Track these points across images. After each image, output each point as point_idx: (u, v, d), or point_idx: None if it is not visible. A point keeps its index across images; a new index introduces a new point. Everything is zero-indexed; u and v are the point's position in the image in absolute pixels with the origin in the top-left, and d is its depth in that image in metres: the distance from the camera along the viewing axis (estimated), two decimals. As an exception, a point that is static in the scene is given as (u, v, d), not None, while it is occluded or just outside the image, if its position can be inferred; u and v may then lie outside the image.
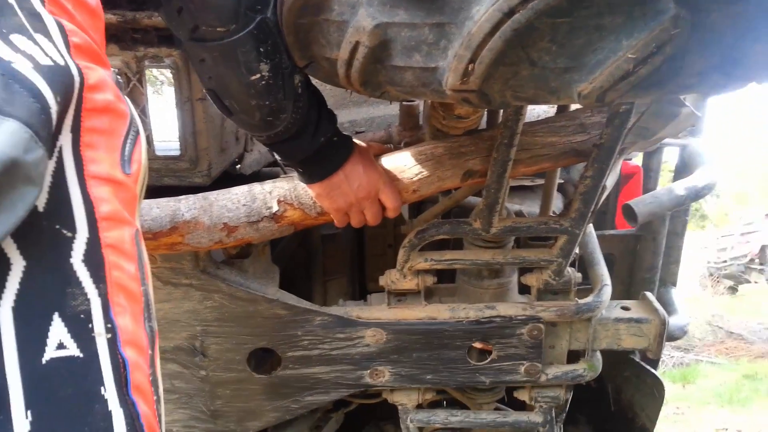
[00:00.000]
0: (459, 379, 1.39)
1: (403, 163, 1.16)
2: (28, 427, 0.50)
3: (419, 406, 1.48)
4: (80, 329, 0.54)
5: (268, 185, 1.18)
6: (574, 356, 1.43)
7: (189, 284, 1.29)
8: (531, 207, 1.54)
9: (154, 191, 1.46)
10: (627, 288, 1.81)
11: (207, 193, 1.18)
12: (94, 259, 0.56)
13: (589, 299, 1.34)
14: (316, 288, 1.73)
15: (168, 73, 1.24)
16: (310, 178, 1.09)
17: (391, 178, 1.15)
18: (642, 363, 1.81)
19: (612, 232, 1.82)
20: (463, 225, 1.23)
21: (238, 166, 1.51)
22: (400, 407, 1.46)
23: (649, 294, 1.44)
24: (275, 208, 1.16)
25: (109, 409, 0.55)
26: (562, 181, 1.62)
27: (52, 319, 0.53)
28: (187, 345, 1.34)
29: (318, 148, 1.04)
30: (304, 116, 0.99)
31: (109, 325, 0.56)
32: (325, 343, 1.35)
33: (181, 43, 0.89)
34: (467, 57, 0.72)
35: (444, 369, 1.38)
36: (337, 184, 1.09)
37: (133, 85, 1.23)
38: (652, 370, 1.79)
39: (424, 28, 0.74)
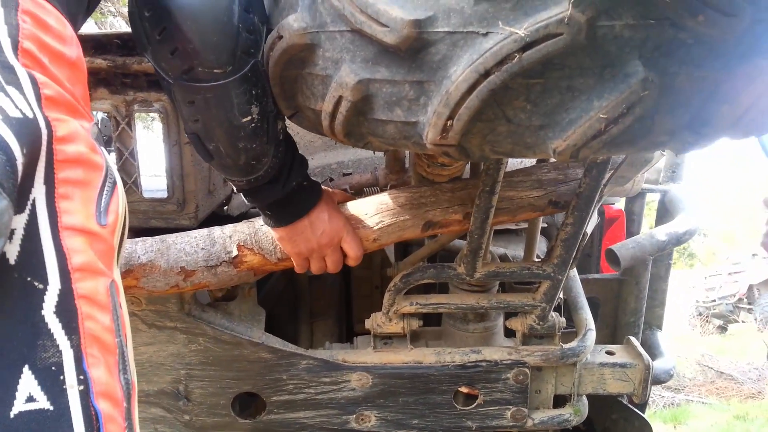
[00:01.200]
0: (445, 424, 1.38)
1: (364, 212, 1.17)
2: None
3: (405, 451, 1.46)
4: (51, 381, 0.54)
5: (228, 229, 1.18)
6: (560, 401, 1.43)
7: (174, 327, 1.29)
8: (516, 251, 1.55)
9: (140, 233, 1.47)
10: (612, 332, 1.82)
11: (165, 235, 1.18)
12: (67, 310, 0.56)
13: (573, 344, 1.35)
14: (302, 329, 1.72)
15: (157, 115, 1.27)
16: (276, 222, 1.10)
17: (353, 227, 1.15)
18: (629, 406, 1.80)
19: (596, 276, 1.84)
20: (448, 269, 1.25)
21: (226, 208, 1.52)
22: (386, 453, 1.45)
23: (633, 338, 1.45)
24: (234, 252, 1.15)
25: None
26: (546, 225, 1.65)
27: (21, 372, 0.52)
28: (171, 389, 1.33)
29: (288, 193, 1.05)
30: (281, 161, 1.00)
31: (81, 377, 0.56)
32: (311, 387, 1.35)
33: (168, 85, 0.88)
34: (446, 114, 0.75)
35: (430, 414, 1.37)
36: (301, 229, 1.09)
37: (122, 129, 1.26)
38: (640, 413, 1.79)
39: (404, 85, 0.77)
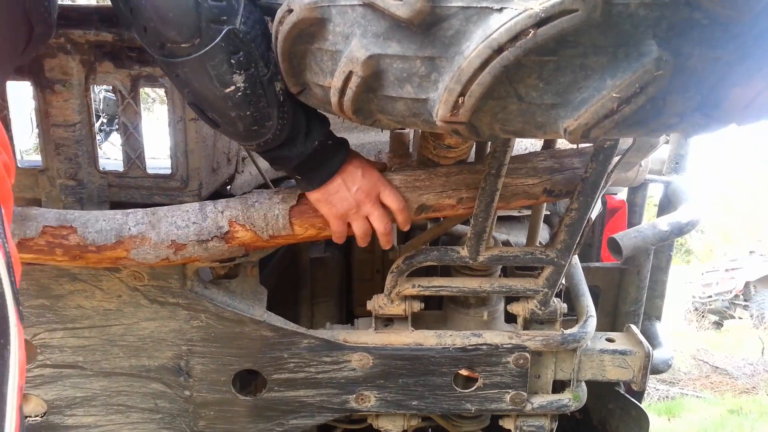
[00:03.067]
0: (444, 405, 1.39)
1: None
2: None
3: (404, 432, 1.47)
4: None
5: (220, 204, 1.17)
6: (559, 386, 1.44)
7: (176, 303, 1.29)
8: (518, 237, 1.55)
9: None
10: (612, 320, 1.83)
11: (157, 208, 1.18)
12: None
13: (574, 330, 1.35)
14: (303, 311, 1.73)
15: (161, 92, 1.26)
16: (308, 183, 1.07)
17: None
18: (627, 395, 1.81)
19: (597, 264, 1.85)
20: (451, 252, 1.25)
21: (229, 187, 1.52)
22: (385, 433, 1.46)
23: (633, 326, 1.45)
24: (226, 228, 1.15)
25: None
26: (549, 213, 1.65)
27: None
28: (172, 365, 1.34)
29: (312, 153, 1.02)
30: (291, 121, 0.98)
31: None
32: (311, 366, 1.35)
33: (155, 61, 0.88)
34: (457, 90, 0.74)
35: (430, 395, 1.38)
36: (335, 188, 1.07)
37: (126, 104, 1.25)
38: (637, 403, 1.80)
39: (415, 61, 0.77)
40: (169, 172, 1.26)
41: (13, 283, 0.64)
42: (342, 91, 0.85)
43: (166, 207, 1.18)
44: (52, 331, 1.30)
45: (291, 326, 1.34)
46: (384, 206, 1.12)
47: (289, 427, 1.42)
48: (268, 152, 1.02)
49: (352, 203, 1.09)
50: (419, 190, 1.16)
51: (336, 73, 0.84)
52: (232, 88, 0.88)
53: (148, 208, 1.17)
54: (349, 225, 1.13)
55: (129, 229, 1.13)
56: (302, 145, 1.01)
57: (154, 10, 0.81)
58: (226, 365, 1.34)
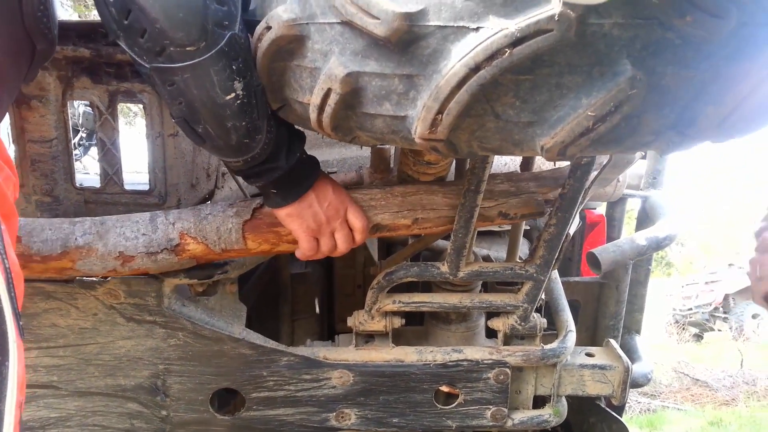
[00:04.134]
0: (425, 423, 1.38)
1: None
2: None
3: (384, 451, 1.46)
4: None
5: (172, 215, 1.15)
6: (539, 402, 1.44)
7: (153, 321, 1.27)
8: (499, 252, 1.56)
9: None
10: (592, 334, 1.84)
11: (106, 217, 1.15)
12: None
13: (554, 345, 1.35)
14: (283, 327, 1.71)
15: (140, 107, 1.25)
16: (283, 198, 1.06)
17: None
18: (608, 409, 1.82)
19: (577, 279, 1.86)
20: (431, 268, 1.25)
21: (208, 203, 1.51)
22: (366, 452, 1.44)
23: (612, 341, 1.46)
24: (176, 240, 1.13)
25: None
26: (529, 228, 1.66)
27: None
28: (149, 384, 1.31)
29: (292, 167, 1.02)
30: (275, 136, 0.97)
31: None
32: (291, 384, 1.33)
33: (146, 71, 0.84)
34: (435, 108, 0.75)
35: (410, 412, 1.37)
36: (309, 203, 1.07)
37: (104, 119, 1.24)
38: (618, 417, 1.80)
39: (394, 79, 0.77)
40: (147, 188, 1.25)
41: (13, 299, 0.64)
42: (321, 108, 0.85)
43: (115, 217, 1.15)
44: (27, 350, 1.27)
45: (271, 344, 1.32)
46: (347, 225, 1.13)
47: (268, 446, 1.40)
48: (251, 168, 1.00)
49: (323, 219, 1.09)
50: (374, 209, 1.16)
51: (315, 90, 0.84)
52: (233, 95, 0.87)
53: (97, 218, 1.14)
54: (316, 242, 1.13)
55: (76, 239, 1.10)
56: (284, 160, 1.01)
57: (163, 10, 0.79)
58: (204, 384, 1.32)
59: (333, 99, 0.82)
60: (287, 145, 1.01)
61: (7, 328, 0.60)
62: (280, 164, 1.00)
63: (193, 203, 1.36)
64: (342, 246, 1.14)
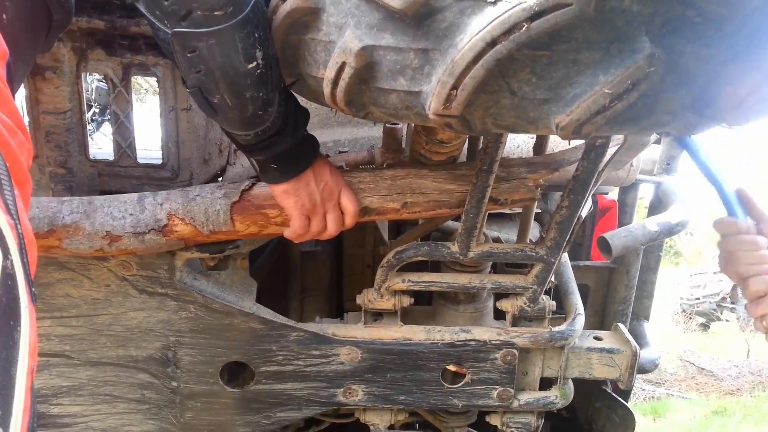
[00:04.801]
0: (432, 401, 1.39)
1: None
2: None
3: (391, 427, 1.47)
4: None
5: (160, 196, 1.15)
6: (546, 383, 1.44)
7: (165, 294, 1.28)
8: (509, 234, 1.56)
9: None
10: (600, 319, 1.84)
11: (94, 197, 1.15)
12: None
13: (562, 327, 1.35)
14: (292, 304, 1.72)
15: (154, 82, 1.25)
16: (283, 174, 1.05)
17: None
18: (614, 394, 1.82)
19: (587, 263, 1.85)
20: (442, 248, 1.25)
21: (220, 179, 1.51)
22: (372, 427, 1.46)
23: (621, 325, 1.46)
24: (164, 221, 1.13)
25: None
26: (540, 211, 1.65)
27: None
28: (160, 355, 1.33)
29: (297, 143, 1.02)
30: (285, 110, 0.96)
31: None
32: (300, 359, 1.35)
33: (166, 36, 0.82)
34: (450, 83, 0.74)
35: (417, 390, 1.38)
36: (306, 181, 1.06)
37: (118, 92, 1.24)
38: (624, 402, 1.81)
39: (409, 53, 0.76)
40: (160, 162, 1.25)
41: (26, 264, 0.63)
42: (335, 83, 0.84)
43: (103, 197, 1.15)
44: (40, 319, 1.29)
45: (280, 319, 1.33)
46: (339, 208, 1.13)
47: (275, 419, 1.41)
48: (259, 143, 0.99)
49: (317, 199, 1.08)
50: (363, 193, 1.16)
51: (329, 64, 0.84)
52: (254, 63, 0.85)
53: (85, 197, 1.14)
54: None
55: (63, 217, 1.11)
56: (291, 136, 1.00)
57: None
58: (214, 357, 1.34)
59: (347, 73, 0.82)
60: (294, 120, 1.00)
61: (19, 294, 0.61)
62: (285, 139, 1.00)
63: (205, 179, 1.37)
64: (332, 228, 1.13)
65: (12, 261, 0.59)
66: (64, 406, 1.38)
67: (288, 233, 1.14)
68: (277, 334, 1.33)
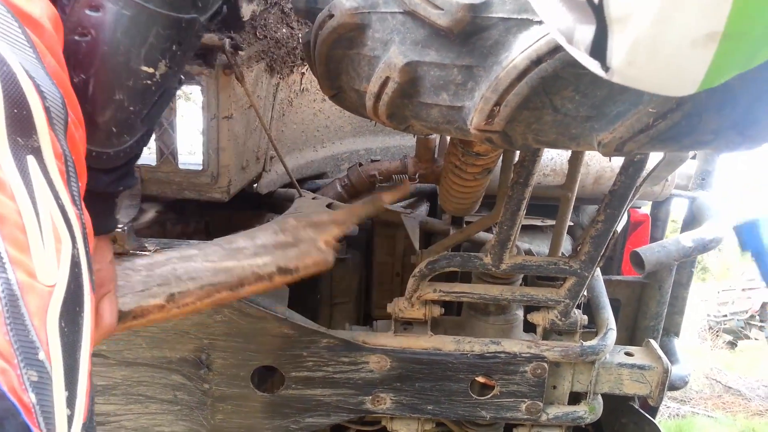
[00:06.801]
0: (460, 411, 1.40)
1: None
2: None
3: (417, 437, 1.48)
4: None
5: None
6: (575, 398, 1.44)
7: (200, 298, 1.31)
8: (540, 246, 1.56)
9: (174, 203, 1.50)
10: (631, 334, 1.82)
11: None
12: None
13: (593, 342, 1.35)
14: (322, 311, 1.74)
15: (186, 90, 1.28)
16: (105, 223, 0.83)
17: None
18: (641, 411, 1.80)
19: (619, 277, 1.84)
20: (474, 259, 1.26)
21: (256, 185, 1.54)
22: (399, 437, 1.47)
23: (653, 341, 1.45)
24: None
25: None
26: (572, 224, 1.65)
27: None
28: (193, 357, 1.36)
29: (115, 193, 0.84)
30: (134, 157, 0.82)
31: None
32: (330, 365, 1.36)
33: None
34: (493, 99, 0.75)
35: (445, 401, 1.38)
36: (103, 246, 0.85)
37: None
38: (650, 418, 1.79)
39: (453, 69, 0.78)
40: (200, 167, 1.28)
41: (88, 253, 0.65)
42: (378, 96, 0.86)
43: None
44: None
45: (312, 325, 1.35)
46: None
47: (304, 425, 1.43)
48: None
49: (112, 274, 0.86)
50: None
51: (372, 79, 0.85)
52: (150, 70, 0.73)
53: None
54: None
55: None
56: (117, 181, 0.81)
57: None
58: (246, 360, 1.36)
59: (390, 87, 0.84)
60: (128, 170, 0.82)
61: (83, 281, 0.63)
62: (110, 180, 0.80)
63: (243, 184, 1.40)
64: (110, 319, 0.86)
65: (78, 250, 0.61)
66: (98, 404, 1.41)
67: None
68: (308, 340, 1.35)
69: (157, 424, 1.41)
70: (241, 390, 1.38)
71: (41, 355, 0.54)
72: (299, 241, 1.09)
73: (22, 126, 0.58)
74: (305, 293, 1.68)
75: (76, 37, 0.69)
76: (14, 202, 0.56)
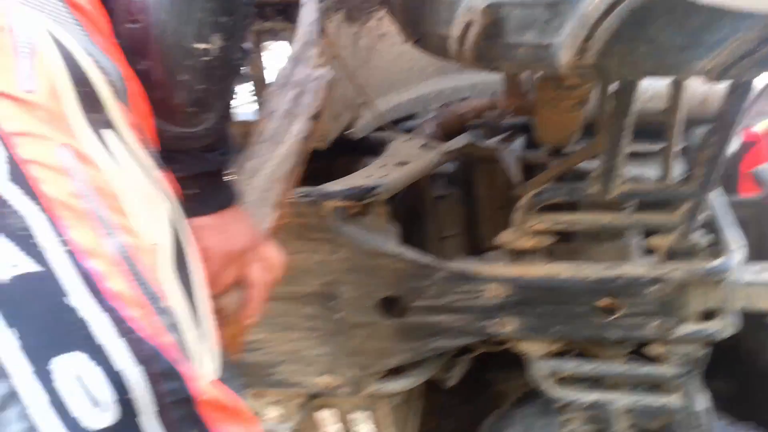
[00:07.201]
0: (585, 332, 1.41)
1: None
2: (17, 341, 0.53)
3: (546, 355, 1.52)
4: (28, 246, 0.54)
5: None
6: (707, 317, 1.39)
7: (318, 238, 1.42)
8: (650, 172, 1.48)
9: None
10: (755, 254, 1.71)
11: None
12: (19, 176, 0.55)
13: (718, 261, 1.29)
14: (432, 246, 1.79)
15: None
16: (204, 203, 0.83)
17: None
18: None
19: (740, 197, 1.71)
20: (581, 189, 1.23)
21: (349, 132, 1.60)
22: (527, 356, 1.52)
23: (788, 257, 1.35)
24: None
25: (80, 316, 0.54)
26: (684, 146, 1.53)
27: None
28: (322, 291, 1.48)
29: (220, 168, 0.85)
30: (223, 130, 0.83)
31: (60, 239, 0.55)
32: (449, 294, 1.42)
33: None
34: (582, 35, 0.72)
35: (569, 323, 1.40)
36: (233, 217, 0.86)
37: (253, 58, 1.34)
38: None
39: (536, 8, 0.75)
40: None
41: (179, 208, 0.71)
42: (461, 41, 0.85)
43: None
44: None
45: (423, 258, 1.42)
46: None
47: (432, 347, 1.52)
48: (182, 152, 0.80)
49: (247, 241, 0.88)
50: None
51: (454, 23, 0.84)
52: (203, 47, 0.73)
53: None
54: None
55: None
56: (219, 159, 0.83)
57: None
58: (369, 292, 1.46)
59: (473, 31, 0.82)
60: (225, 141, 0.84)
61: (183, 234, 0.69)
62: (213, 159, 0.82)
63: (337, 133, 1.45)
64: (265, 277, 0.93)
65: (175, 207, 0.68)
66: (252, 334, 1.61)
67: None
68: (424, 273, 1.42)
69: (303, 348, 1.58)
70: (370, 318, 1.50)
71: (165, 303, 0.59)
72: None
73: (92, 103, 0.61)
74: (412, 231, 1.75)
75: (128, 25, 0.70)
76: (104, 172, 0.60)
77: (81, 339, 0.53)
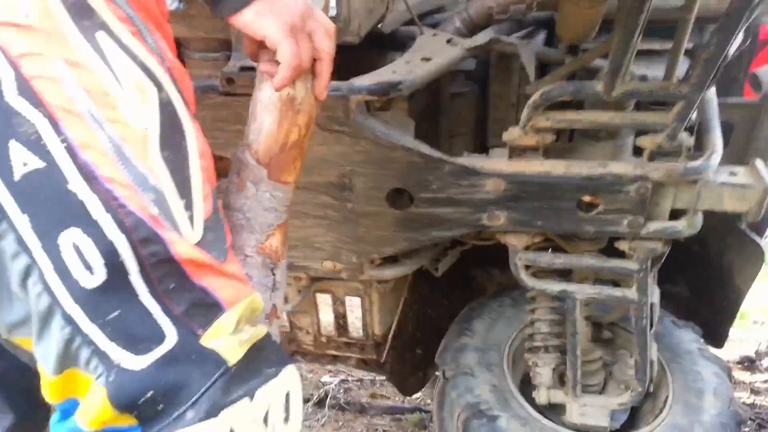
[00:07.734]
0: (566, 227, 1.57)
1: None
2: (29, 224, 0.67)
3: (528, 248, 1.69)
4: (36, 146, 0.66)
5: None
6: (676, 215, 1.55)
7: (341, 131, 1.53)
8: (658, 72, 1.57)
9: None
10: (741, 158, 1.85)
11: None
12: (26, 91, 0.66)
13: (697, 162, 1.42)
14: (443, 142, 1.92)
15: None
16: None
17: None
18: (746, 231, 1.89)
19: (735, 99, 1.82)
20: (587, 87, 1.34)
21: (381, 25, 1.67)
22: (510, 247, 1.69)
23: (759, 161, 1.50)
24: None
25: (80, 199, 0.67)
26: (693, 45, 1.62)
27: (8, 146, 0.66)
28: (338, 181, 1.61)
29: None
30: None
31: (61, 137, 0.66)
32: (452, 188, 1.56)
33: None
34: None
35: (554, 217, 1.56)
36: None
37: None
38: (756, 240, 1.87)
39: None
40: (334, 13, 1.43)
41: (179, 91, 0.78)
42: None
43: None
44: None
45: (436, 153, 1.54)
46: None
47: (430, 237, 1.68)
48: None
49: (296, 12, 0.87)
50: None
51: None
52: None
53: None
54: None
55: None
56: None
57: None
58: (381, 183, 1.59)
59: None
60: None
61: (180, 115, 0.77)
62: None
63: (370, 26, 1.53)
64: (328, 45, 0.93)
65: (167, 92, 0.76)
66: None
67: (278, 79, 0.90)
68: (433, 167, 1.55)
69: (314, 235, 1.73)
70: (378, 208, 1.64)
71: (152, 181, 0.71)
72: None
73: (82, 11, 0.70)
74: (427, 126, 1.86)
75: None
76: (95, 74, 0.70)
77: (79, 217, 0.67)
